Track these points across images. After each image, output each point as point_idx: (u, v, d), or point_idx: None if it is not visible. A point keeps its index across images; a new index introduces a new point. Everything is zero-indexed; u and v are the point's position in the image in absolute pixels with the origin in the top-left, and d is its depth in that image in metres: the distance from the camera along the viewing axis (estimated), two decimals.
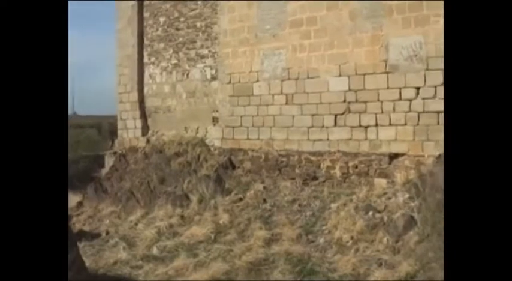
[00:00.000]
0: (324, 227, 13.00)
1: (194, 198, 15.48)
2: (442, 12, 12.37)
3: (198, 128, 17.52)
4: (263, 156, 15.67)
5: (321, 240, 12.56)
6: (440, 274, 9.53)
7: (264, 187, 15.23)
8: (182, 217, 15.03)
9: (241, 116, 16.14)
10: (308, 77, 14.68)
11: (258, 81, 15.71)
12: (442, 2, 12.18)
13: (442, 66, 12.42)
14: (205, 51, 17.33)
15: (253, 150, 15.93)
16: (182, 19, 17.97)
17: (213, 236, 13.58)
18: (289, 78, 15.05)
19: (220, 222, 14.17)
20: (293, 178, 14.96)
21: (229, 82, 16.38)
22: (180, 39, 18.05)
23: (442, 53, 12.42)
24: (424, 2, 12.77)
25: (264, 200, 14.71)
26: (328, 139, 14.34)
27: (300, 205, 14.12)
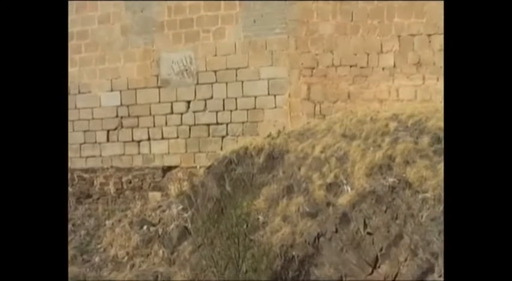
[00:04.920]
0: (99, 246, 12.77)
1: None
2: (211, 28, 12.86)
3: None
4: None
5: (97, 259, 12.34)
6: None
7: None
8: None
9: None
10: (79, 92, 14.34)
11: None
12: (211, 19, 12.78)
13: (211, 80, 12.90)
14: None
15: None
16: None
17: None
18: None
19: None
20: None
21: None
22: None
23: (211, 67, 12.92)
24: (195, 19, 13.10)
25: None
26: (101, 155, 14.13)
27: (74, 225, 13.68)
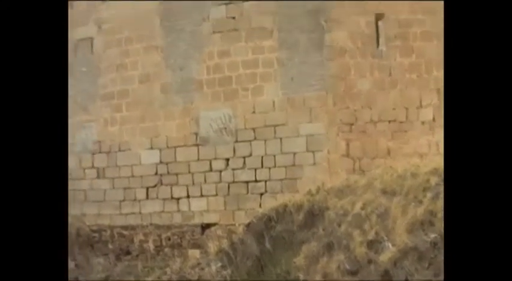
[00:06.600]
0: None
1: None
2: (250, 86, 12.99)
3: None
4: (74, 232, 15.08)
5: None
6: None
7: (76, 265, 14.65)
8: None
9: None
10: (120, 150, 14.52)
11: (68, 154, 15.24)
12: (249, 77, 12.94)
13: (250, 137, 12.97)
14: None
15: None
16: None
17: None
18: (100, 152, 14.79)
19: None
20: (106, 254, 14.55)
21: None
22: None
23: (250, 125, 12.99)
24: (233, 77, 13.26)
25: (76, 279, 14.12)
26: (140, 212, 14.17)
27: None
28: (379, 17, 12.68)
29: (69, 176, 15.11)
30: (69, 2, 15.17)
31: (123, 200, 14.44)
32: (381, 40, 12.67)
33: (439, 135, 11.68)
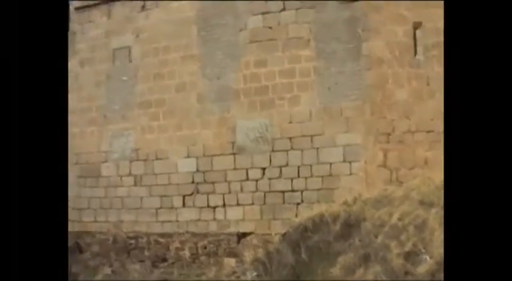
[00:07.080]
0: None
1: None
2: (286, 95, 13.00)
3: None
4: (111, 239, 15.26)
5: None
6: None
7: (113, 271, 14.81)
8: None
9: (88, 198, 15.70)
10: (157, 158, 14.65)
11: (106, 162, 15.45)
12: (286, 87, 12.94)
13: (286, 147, 12.97)
14: None
15: (101, 232, 15.48)
16: None
17: None
18: (138, 160, 14.94)
19: None
20: (142, 261, 14.67)
21: (76, 163, 15.95)
22: None
23: (286, 135, 12.99)
24: (270, 86, 13.29)
25: None
26: (177, 220, 14.26)
27: None
28: (416, 25, 12.62)
29: (107, 183, 15.42)
30: (106, 11, 15.50)
31: (160, 208, 14.55)
32: (419, 49, 12.62)
33: None
